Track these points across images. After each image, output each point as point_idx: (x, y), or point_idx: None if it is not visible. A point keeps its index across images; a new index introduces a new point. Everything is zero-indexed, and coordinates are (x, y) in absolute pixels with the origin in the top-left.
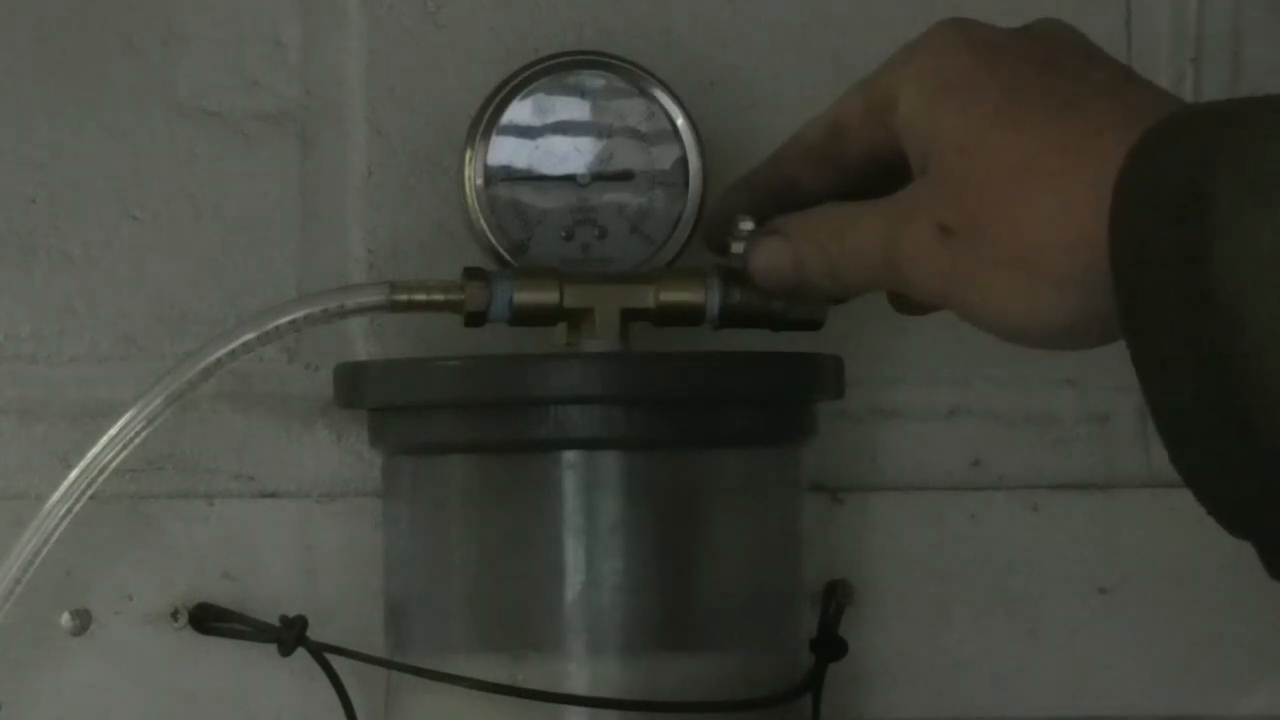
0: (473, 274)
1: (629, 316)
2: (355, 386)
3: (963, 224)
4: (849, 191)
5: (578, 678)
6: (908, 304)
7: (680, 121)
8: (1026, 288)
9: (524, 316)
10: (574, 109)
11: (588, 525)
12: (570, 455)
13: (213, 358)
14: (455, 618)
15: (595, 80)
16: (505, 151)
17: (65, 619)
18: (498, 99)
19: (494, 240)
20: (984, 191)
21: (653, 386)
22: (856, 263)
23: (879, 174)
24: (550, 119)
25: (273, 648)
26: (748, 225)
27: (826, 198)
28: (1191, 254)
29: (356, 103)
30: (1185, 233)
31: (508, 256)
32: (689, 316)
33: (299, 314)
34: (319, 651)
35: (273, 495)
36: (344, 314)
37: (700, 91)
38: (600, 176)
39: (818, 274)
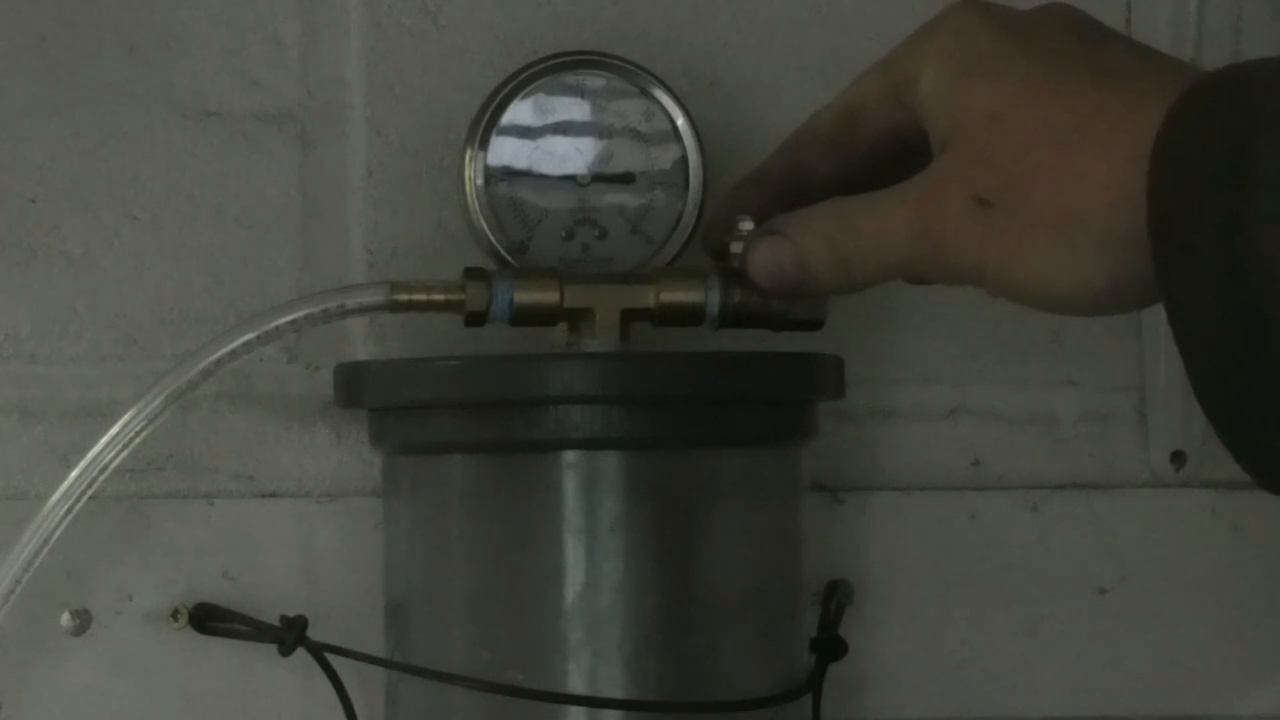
0: (473, 274)
1: (629, 316)
2: (355, 386)
3: (1000, 193)
4: (859, 179)
5: (577, 677)
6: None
7: (680, 121)
8: (1070, 251)
9: (524, 316)
10: (574, 109)
11: (588, 525)
12: (570, 455)
13: (213, 358)
14: (455, 617)
15: (595, 80)
16: (505, 151)
17: (65, 619)
18: (498, 99)
19: (494, 240)
20: (1022, 158)
21: (653, 386)
22: (876, 252)
23: (891, 160)
24: (550, 119)
25: (273, 648)
26: (747, 225)
27: (838, 186)
28: (1230, 216)
29: (356, 103)
30: (1224, 194)
31: (508, 256)
32: (689, 316)
33: (299, 314)
34: (319, 651)
35: (273, 495)
36: (344, 314)
37: (700, 91)
38: (600, 177)
39: (824, 268)
